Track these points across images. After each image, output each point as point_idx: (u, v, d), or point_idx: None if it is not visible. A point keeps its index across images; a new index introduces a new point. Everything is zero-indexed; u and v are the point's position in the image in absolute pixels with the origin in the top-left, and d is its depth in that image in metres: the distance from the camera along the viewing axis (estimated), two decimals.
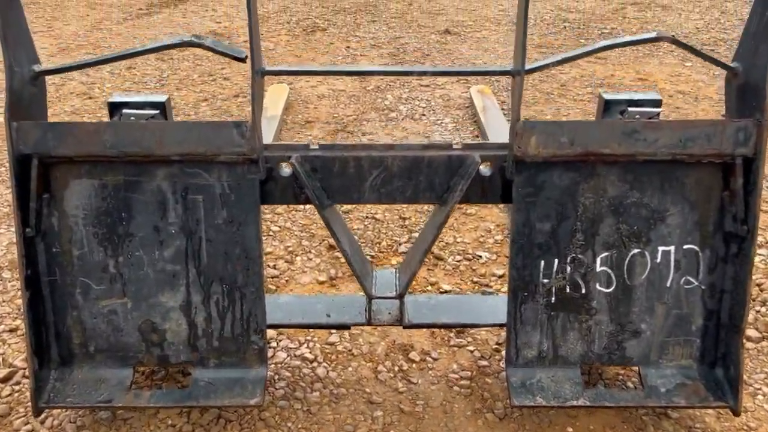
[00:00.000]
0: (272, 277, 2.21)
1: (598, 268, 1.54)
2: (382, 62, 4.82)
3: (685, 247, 1.52)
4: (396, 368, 1.83)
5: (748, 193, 1.45)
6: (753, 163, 1.44)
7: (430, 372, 1.82)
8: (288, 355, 1.86)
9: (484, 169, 1.53)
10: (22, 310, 1.56)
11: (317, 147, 1.54)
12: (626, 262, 1.53)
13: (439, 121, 3.69)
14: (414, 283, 2.11)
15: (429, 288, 2.16)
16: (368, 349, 1.89)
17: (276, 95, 3.86)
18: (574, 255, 1.53)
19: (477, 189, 1.54)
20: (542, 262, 1.53)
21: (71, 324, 1.54)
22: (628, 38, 1.44)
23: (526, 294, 1.55)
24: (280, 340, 1.91)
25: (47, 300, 1.52)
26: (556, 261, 1.53)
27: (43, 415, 1.62)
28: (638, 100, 1.53)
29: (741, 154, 1.44)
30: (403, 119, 3.73)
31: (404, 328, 1.65)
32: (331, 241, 2.26)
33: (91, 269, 1.52)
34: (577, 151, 1.44)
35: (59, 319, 1.54)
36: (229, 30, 5.67)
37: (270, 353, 1.86)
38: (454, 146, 1.55)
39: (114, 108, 1.52)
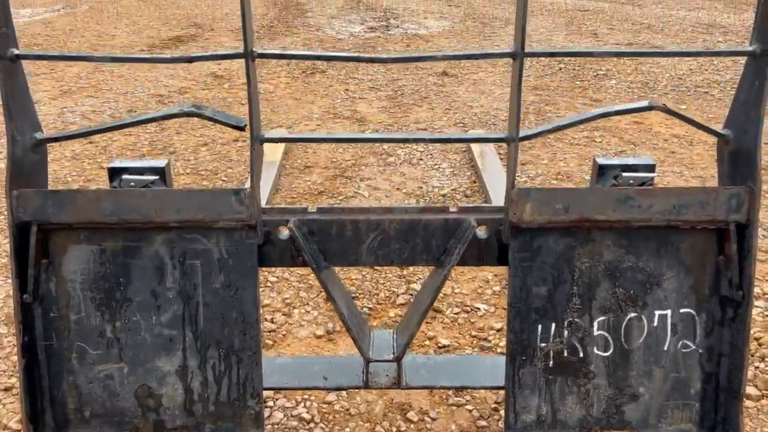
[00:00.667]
0: (269, 331, 2.21)
1: (596, 332, 1.54)
2: (381, 105, 4.88)
3: (682, 310, 1.53)
4: (394, 429, 1.81)
5: (743, 259, 1.46)
6: (746, 229, 1.45)
7: None
8: (285, 416, 1.85)
9: (481, 232, 1.54)
10: (17, 368, 1.55)
11: (315, 210, 1.56)
12: (623, 326, 1.53)
13: (436, 167, 3.72)
14: None
15: (427, 342, 2.16)
16: (366, 409, 1.88)
17: None
18: (571, 319, 1.53)
19: (473, 251, 1.55)
20: (540, 326, 1.53)
21: (67, 389, 1.54)
22: (620, 107, 1.47)
23: (524, 358, 1.54)
24: (277, 399, 1.90)
25: (43, 365, 1.52)
26: (554, 325, 1.53)
27: None
28: (632, 165, 1.55)
29: (734, 220, 1.45)
30: (401, 164, 3.76)
31: (402, 389, 1.65)
32: None
33: (88, 334, 1.52)
34: (572, 217, 1.46)
35: (54, 384, 1.53)
36: (230, 72, 5.75)
37: (267, 413, 1.84)
38: (451, 209, 1.56)
39: (114, 173, 1.54)
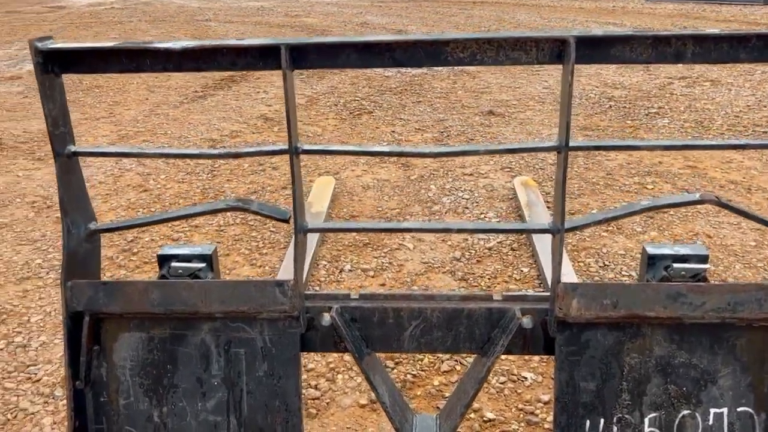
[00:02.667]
0: (313, 399, 2.21)
1: (647, 429, 1.48)
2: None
3: (739, 409, 1.46)
4: None
5: None
6: None
7: None
8: None
9: (526, 321, 1.51)
10: None
11: (357, 297, 1.56)
12: (676, 423, 1.48)
13: (482, 215, 3.70)
14: None
15: (472, 415, 2.12)
16: None
17: (322, 189, 3.94)
18: (620, 415, 1.48)
19: (518, 341, 1.53)
20: (588, 422, 1.49)
21: None
22: (670, 200, 1.43)
23: None
24: None
25: None
26: (602, 421, 1.49)
27: None
28: (684, 255, 1.50)
29: None
30: (446, 213, 3.75)
31: None
32: None
33: (136, 418, 1.55)
34: (621, 313, 1.42)
35: None
36: (280, 114, 5.86)
37: None
38: (495, 297, 1.54)
39: (163, 260, 1.58)
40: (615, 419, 1.48)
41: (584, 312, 1.43)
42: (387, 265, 3.13)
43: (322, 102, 6.32)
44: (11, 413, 2.17)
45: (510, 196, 3.94)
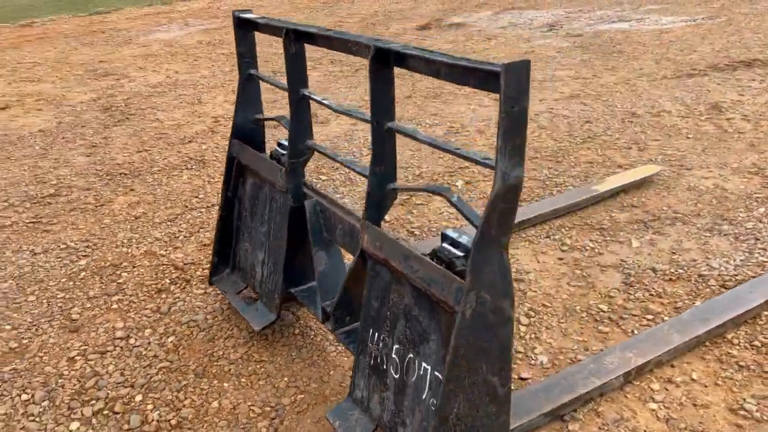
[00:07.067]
0: None
1: (393, 355, 1.89)
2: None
3: (436, 372, 1.71)
4: None
5: None
6: None
7: None
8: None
9: None
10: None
11: (325, 198, 2.38)
12: (406, 361, 1.83)
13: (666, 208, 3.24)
14: None
15: None
16: None
17: (636, 172, 4.07)
18: (384, 336, 1.92)
19: None
20: (371, 330, 1.99)
21: (236, 249, 2.89)
22: (419, 186, 1.72)
23: (362, 348, 2.03)
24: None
25: (233, 233, 2.90)
26: (377, 334, 1.96)
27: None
28: (457, 242, 1.74)
29: (460, 311, 1.57)
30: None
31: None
32: None
33: (246, 222, 2.81)
34: (383, 255, 1.86)
35: (235, 244, 2.90)
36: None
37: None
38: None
39: (277, 145, 2.71)
40: (382, 337, 1.94)
41: (368, 246, 1.93)
42: None
43: None
44: None
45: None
